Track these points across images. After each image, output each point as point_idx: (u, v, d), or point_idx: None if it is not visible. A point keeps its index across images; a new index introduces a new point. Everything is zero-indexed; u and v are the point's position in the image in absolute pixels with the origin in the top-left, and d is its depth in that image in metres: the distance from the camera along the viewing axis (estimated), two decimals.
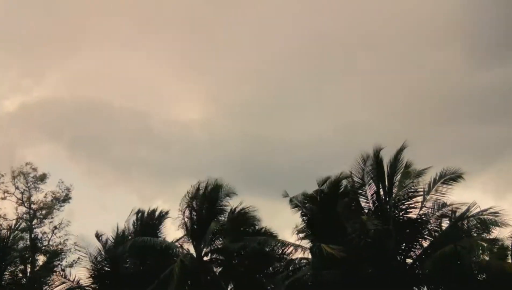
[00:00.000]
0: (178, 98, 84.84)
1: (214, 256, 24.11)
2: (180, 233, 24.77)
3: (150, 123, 76.29)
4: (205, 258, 23.94)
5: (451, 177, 19.32)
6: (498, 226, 18.35)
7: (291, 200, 21.44)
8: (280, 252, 22.73)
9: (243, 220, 24.09)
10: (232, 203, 24.49)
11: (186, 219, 24.19)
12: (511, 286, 23.06)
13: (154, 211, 25.71)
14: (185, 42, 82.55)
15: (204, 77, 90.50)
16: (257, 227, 24.22)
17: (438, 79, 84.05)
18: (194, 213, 24.32)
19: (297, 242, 21.47)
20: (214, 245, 23.74)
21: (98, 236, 24.43)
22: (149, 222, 25.20)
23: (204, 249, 23.72)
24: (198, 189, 24.60)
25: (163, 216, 25.47)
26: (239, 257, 23.57)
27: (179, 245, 24.34)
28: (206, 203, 24.46)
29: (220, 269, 24.02)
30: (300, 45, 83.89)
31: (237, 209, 24.11)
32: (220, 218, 23.90)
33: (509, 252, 30.78)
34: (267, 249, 22.69)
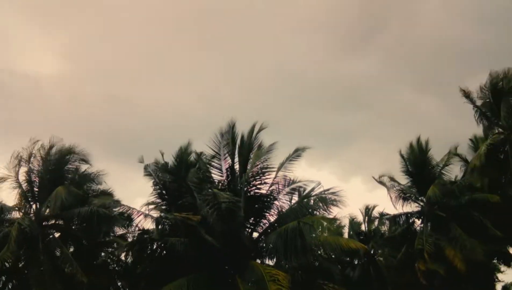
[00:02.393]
0: (30, 49, 77.35)
1: (56, 220, 22.83)
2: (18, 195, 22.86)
3: None
4: (46, 223, 22.55)
5: (298, 154, 20.29)
6: (337, 205, 19.92)
7: (145, 168, 20.92)
8: (128, 219, 22.16)
9: (91, 184, 23.03)
10: (81, 167, 23.32)
11: (24, 181, 22.37)
12: (344, 258, 25.48)
13: None
14: None
15: (63, 30, 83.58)
16: (105, 192, 23.34)
17: (302, 65, 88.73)
18: (35, 175, 22.59)
19: (147, 211, 20.94)
20: (57, 209, 22.28)
21: None
22: None
23: (46, 213, 22.28)
24: (48, 151, 22.91)
25: None
26: (84, 221, 22.50)
27: (16, 208, 22.48)
28: (50, 165, 22.93)
29: (61, 233, 22.83)
30: (174, 14, 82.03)
31: (85, 173, 22.94)
32: (66, 181, 22.53)
33: (345, 230, 33.96)
34: (113, 215, 22.00)
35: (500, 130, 28.22)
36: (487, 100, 28.78)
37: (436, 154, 30.91)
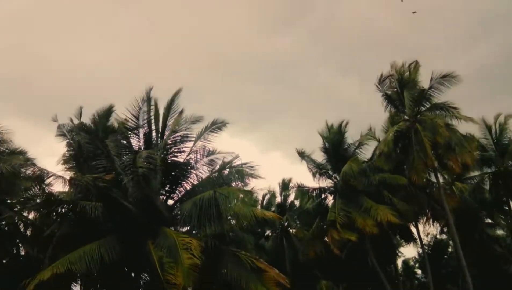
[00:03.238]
0: None
1: None
2: None
3: None
4: None
5: (218, 126, 20.44)
6: (253, 178, 20.37)
7: (59, 127, 20.14)
8: (38, 179, 21.24)
9: None
10: None
11: None
12: (255, 228, 26.08)
13: None
14: None
15: None
16: (15, 151, 22.14)
17: (228, 39, 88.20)
18: None
19: (60, 173, 20.19)
20: None
21: None
22: None
23: None
24: None
25: None
26: None
27: None
28: None
29: None
30: None
31: None
32: None
33: (259, 201, 34.91)
34: (21, 174, 21.03)
35: (406, 117, 29.93)
36: (395, 89, 30.32)
37: (354, 134, 32.38)
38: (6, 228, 23.15)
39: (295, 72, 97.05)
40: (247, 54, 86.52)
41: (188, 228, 20.42)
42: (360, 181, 29.77)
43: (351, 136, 32.12)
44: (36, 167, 20.23)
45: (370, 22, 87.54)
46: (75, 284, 22.16)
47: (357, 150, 31.74)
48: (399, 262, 47.42)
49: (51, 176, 19.71)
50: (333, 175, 31.40)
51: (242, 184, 20.76)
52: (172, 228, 19.66)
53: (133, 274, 20.80)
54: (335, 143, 31.38)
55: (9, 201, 22.70)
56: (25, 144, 23.10)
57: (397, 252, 40.48)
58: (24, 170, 20.99)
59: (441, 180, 30.66)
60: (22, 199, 22.66)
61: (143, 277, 20.45)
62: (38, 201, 21.44)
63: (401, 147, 29.56)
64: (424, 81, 29.72)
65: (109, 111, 21.72)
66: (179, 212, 20.14)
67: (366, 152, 32.18)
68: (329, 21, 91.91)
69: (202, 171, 20.81)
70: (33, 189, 21.89)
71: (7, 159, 21.19)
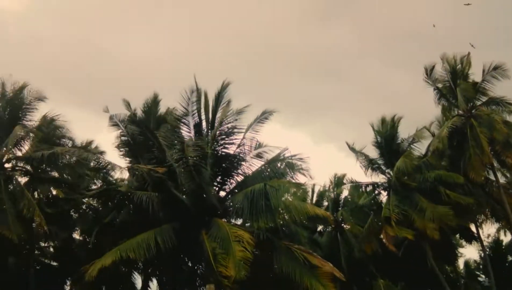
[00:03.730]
0: None
1: (19, 163, 22.39)
2: None
3: None
4: (6, 165, 22.14)
5: (266, 116, 20.60)
6: (303, 173, 20.37)
7: (111, 118, 20.58)
8: (98, 168, 22.28)
9: (55, 129, 22.77)
10: (42, 110, 22.84)
11: None
12: (307, 223, 26.16)
13: None
14: None
15: None
16: (73, 139, 23.19)
17: (276, 31, 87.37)
18: None
19: (117, 163, 21.06)
20: (18, 151, 22.04)
21: None
22: None
23: (6, 155, 21.69)
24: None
25: None
26: (51, 167, 22.47)
27: None
28: (8, 105, 22.28)
29: (27, 178, 22.48)
30: None
31: (48, 116, 22.68)
32: (27, 123, 22.19)
33: (309, 195, 34.65)
34: (84, 163, 21.93)
35: (460, 112, 28.86)
36: (447, 83, 29.32)
37: (405, 130, 31.54)
38: (76, 214, 24.53)
39: (344, 65, 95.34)
40: (297, 46, 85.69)
41: (241, 220, 20.49)
42: (414, 178, 28.97)
43: (404, 131, 31.31)
44: (96, 156, 21.11)
45: (419, 13, 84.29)
46: (135, 272, 23.09)
47: (411, 145, 30.86)
48: (461, 263, 45.58)
49: (109, 165, 20.63)
50: (386, 171, 30.66)
51: (293, 178, 20.69)
52: (225, 220, 19.87)
53: (190, 264, 21.33)
54: (388, 137, 30.66)
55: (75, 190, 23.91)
56: (87, 134, 24.19)
57: (457, 252, 38.98)
58: (89, 161, 21.83)
59: (503, 178, 29.45)
60: (86, 188, 23.82)
61: (201, 266, 20.71)
62: (99, 189, 22.47)
63: (456, 143, 28.57)
64: (475, 74, 28.79)
65: (155, 100, 22.28)
66: (230, 204, 20.36)
67: (421, 147, 31.27)
68: (377, 13, 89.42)
69: (253, 164, 20.93)
70: (95, 179, 22.97)
71: (73, 150, 22.07)
